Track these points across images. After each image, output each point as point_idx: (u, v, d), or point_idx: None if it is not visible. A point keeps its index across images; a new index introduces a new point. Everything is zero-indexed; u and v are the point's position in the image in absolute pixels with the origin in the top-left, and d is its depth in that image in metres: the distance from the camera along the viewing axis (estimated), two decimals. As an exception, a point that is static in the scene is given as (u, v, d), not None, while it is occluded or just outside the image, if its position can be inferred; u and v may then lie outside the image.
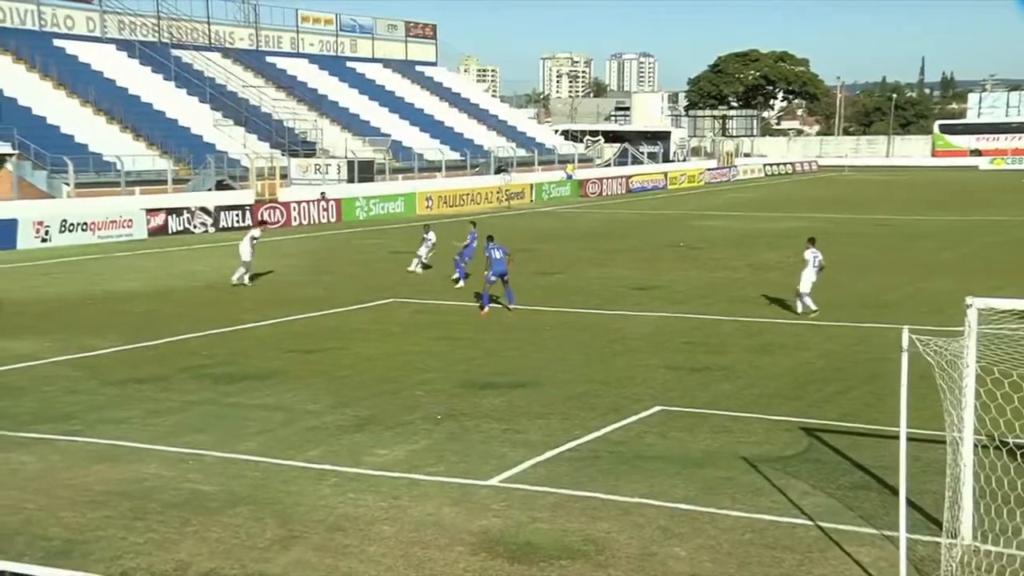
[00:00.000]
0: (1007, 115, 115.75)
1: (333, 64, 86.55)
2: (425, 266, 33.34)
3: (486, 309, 25.37)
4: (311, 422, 16.54)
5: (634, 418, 16.41)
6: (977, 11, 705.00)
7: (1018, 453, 11.08)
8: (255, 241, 31.83)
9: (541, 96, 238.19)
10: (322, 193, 56.05)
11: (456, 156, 75.99)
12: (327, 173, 62.12)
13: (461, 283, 30.24)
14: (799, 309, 24.05)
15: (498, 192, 65.66)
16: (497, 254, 25.43)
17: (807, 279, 24.01)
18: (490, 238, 26.32)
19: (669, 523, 12.02)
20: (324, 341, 23.06)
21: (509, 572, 10.90)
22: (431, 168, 71.84)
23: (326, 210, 54.70)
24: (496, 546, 11.50)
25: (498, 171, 72.61)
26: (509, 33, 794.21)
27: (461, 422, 16.36)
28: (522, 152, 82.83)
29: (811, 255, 24.17)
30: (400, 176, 68.32)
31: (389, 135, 75.38)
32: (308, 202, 54.42)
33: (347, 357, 21.41)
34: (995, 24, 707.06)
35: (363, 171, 63.48)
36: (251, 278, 31.41)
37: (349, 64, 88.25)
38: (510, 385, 18.70)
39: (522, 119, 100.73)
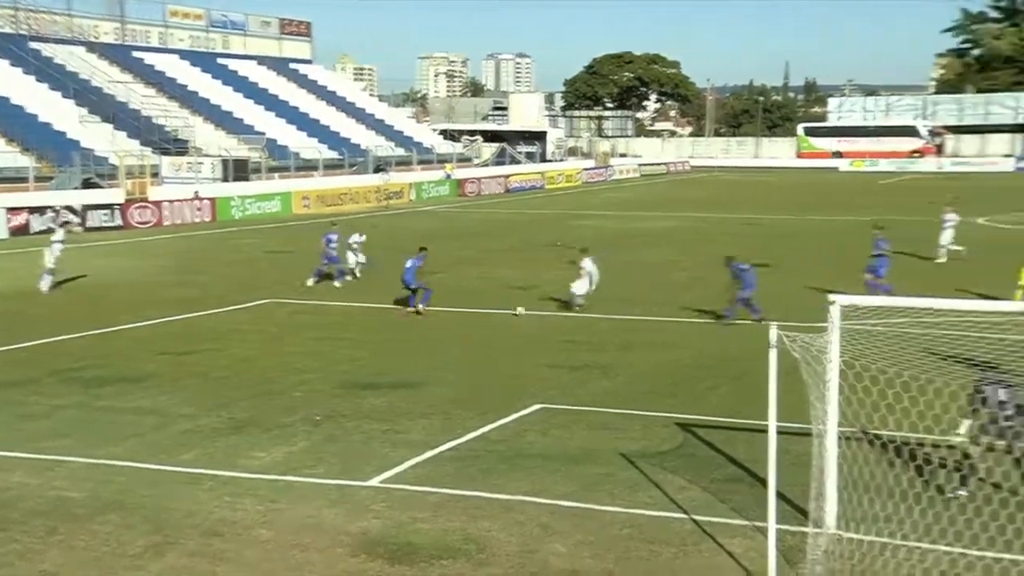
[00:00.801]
0: (864, 119, 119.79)
1: (204, 60, 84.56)
2: (363, 266, 31.94)
3: (410, 309, 25.36)
4: (185, 425, 16.25)
5: (514, 416, 16.55)
6: (838, 19, 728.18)
7: (878, 444, 11.57)
8: (60, 244, 30.17)
9: (419, 95, 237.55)
10: (195, 192, 54.94)
11: (334, 155, 75.24)
12: (200, 172, 60.86)
13: (338, 283, 30.13)
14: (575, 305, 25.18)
15: (377, 191, 65.33)
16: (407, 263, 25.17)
17: (581, 286, 24.93)
18: (421, 248, 26.08)
19: (549, 520, 12.18)
20: (200, 342, 22.67)
21: (390, 573, 10.92)
22: (308, 167, 71.03)
23: (200, 209, 53.66)
24: (376, 547, 11.50)
25: (377, 170, 72.22)
26: (386, 32, 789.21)
27: (341, 423, 16.28)
28: (401, 151, 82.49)
29: (588, 264, 24.87)
30: (276, 175, 67.44)
31: (264, 133, 74.16)
32: (181, 201, 53.31)
33: (224, 358, 21.09)
34: (854, 32, 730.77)
35: (238, 170, 62.43)
36: (55, 285, 29.68)
37: (221, 61, 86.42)
38: (391, 385, 18.68)
39: (400, 118, 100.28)
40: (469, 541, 11.64)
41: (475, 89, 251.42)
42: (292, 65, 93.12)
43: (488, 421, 16.24)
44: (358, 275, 31.47)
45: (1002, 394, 12.20)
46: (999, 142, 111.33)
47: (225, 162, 62.37)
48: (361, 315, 26.22)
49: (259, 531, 11.94)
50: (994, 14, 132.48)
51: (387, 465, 14.18)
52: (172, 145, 66.63)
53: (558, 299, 25.81)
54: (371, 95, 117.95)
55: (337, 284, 30.16)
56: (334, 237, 30.71)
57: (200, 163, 62.35)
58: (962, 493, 11.98)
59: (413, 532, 11.93)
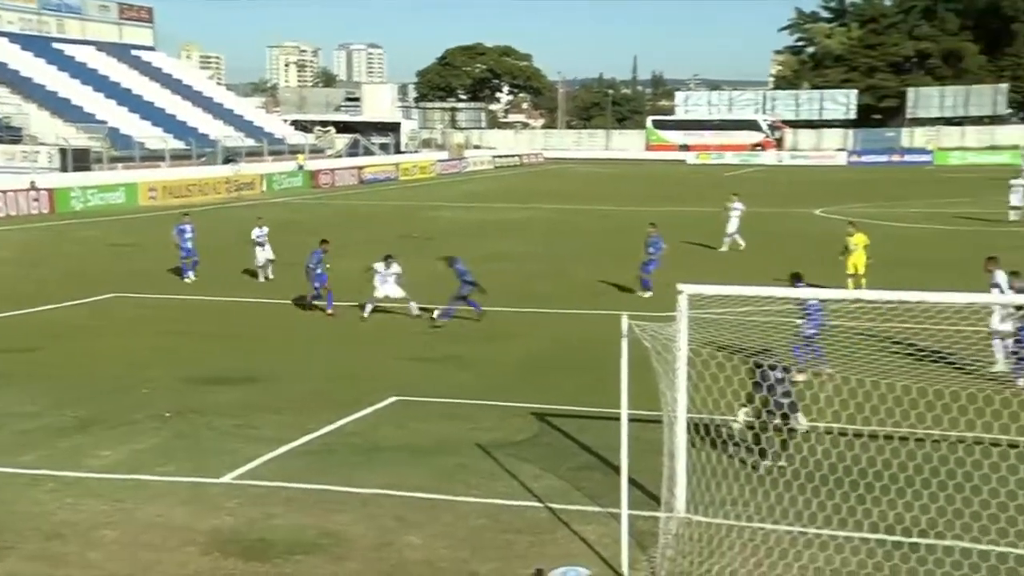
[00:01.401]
0: (709, 113, 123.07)
1: (37, 44, 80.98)
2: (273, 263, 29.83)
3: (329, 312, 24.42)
4: (26, 425, 15.65)
5: (370, 409, 16.47)
6: (683, 15, 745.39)
7: (724, 430, 11.92)
8: None
9: (269, 85, 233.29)
10: (32, 182, 52.80)
11: (180, 145, 73.30)
12: (37, 161, 58.56)
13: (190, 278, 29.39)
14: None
15: (227, 183, 63.95)
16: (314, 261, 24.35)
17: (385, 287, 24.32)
18: (322, 241, 25.28)
19: (405, 512, 12.17)
20: (40, 339, 21.85)
21: (243, 570, 10.75)
22: (154, 157, 69.02)
23: (37, 200, 51.60)
24: (229, 544, 11.31)
25: (226, 161, 70.72)
26: (232, 20, 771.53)
27: (191, 420, 15.92)
28: (251, 142, 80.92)
29: (381, 267, 23.92)
30: (120, 165, 65.32)
31: (105, 122, 71.74)
32: (15, 192, 51.20)
33: (66, 355, 20.39)
34: (698, 28, 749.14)
35: (78, 160, 60.33)
36: None
37: (56, 45, 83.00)
38: (243, 380, 18.36)
39: (250, 108, 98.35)
40: (324, 536, 11.55)
41: (327, 79, 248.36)
42: (134, 52, 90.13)
43: (343, 414, 16.11)
44: (270, 275, 29.55)
45: (777, 372, 13.02)
46: (833, 136, 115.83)
47: (64, 151, 60.17)
48: (210, 309, 25.67)
49: (104, 532, 11.59)
50: (825, 14, 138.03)
51: (239, 461, 13.94)
52: (4, 133, 63.81)
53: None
54: (219, 84, 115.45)
55: (188, 278, 29.34)
56: (187, 228, 29.88)
57: (36, 152, 60.00)
58: (765, 464, 12.57)
59: (267, 528, 11.77)
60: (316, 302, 24.70)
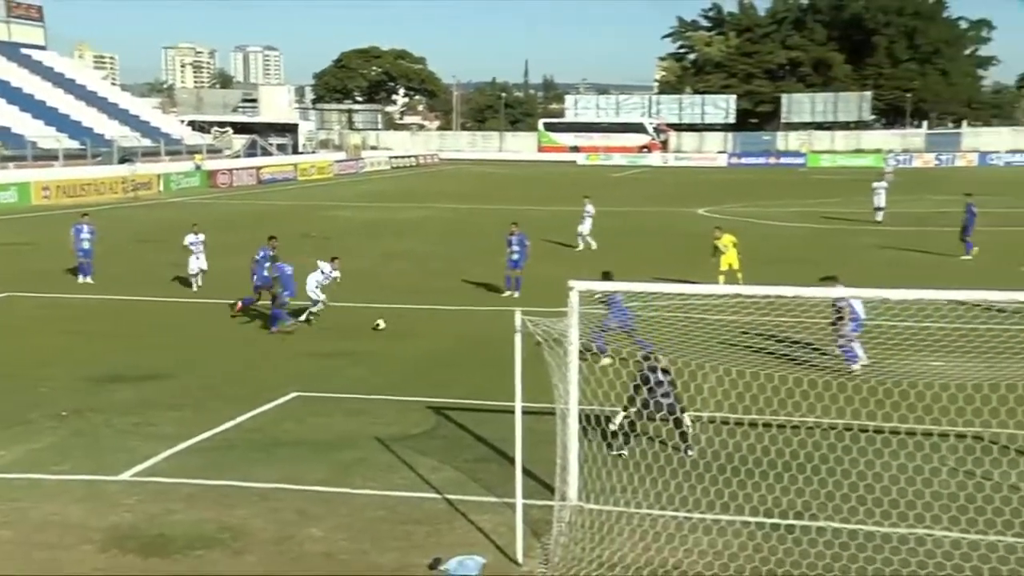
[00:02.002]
0: (598, 116, 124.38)
1: (-80, 41, 77.72)
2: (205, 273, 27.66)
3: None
4: (-81, 427, 15.05)
5: (270, 405, 16.23)
6: (572, 20, 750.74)
7: (613, 420, 12.07)
8: None
9: (165, 86, 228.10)
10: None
11: (75, 145, 71.14)
12: (-79, 160, 56.26)
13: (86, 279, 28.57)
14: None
15: (123, 182, 62.34)
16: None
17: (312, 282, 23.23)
18: (270, 237, 24.03)
19: (305, 505, 12.05)
20: (-68, 340, 21.03)
21: (142, 567, 10.52)
22: (47, 156, 66.84)
23: (-74, 199, 49.67)
24: (128, 541, 11.05)
25: (122, 161, 68.88)
26: (126, 20, 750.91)
27: (89, 418, 15.50)
28: (147, 142, 78.94)
29: (326, 267, 23.11)
30: (11, 164, 63.11)
31: (-5, 121, 69.25)
32: (-98, 190, 49.14)
33: (-41, 356, 19.65)
34: (588, 34, 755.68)
35: (-32, 159, 58.10)
36: None
37: (-60, 42, 79.77)
38: (142, 378, 17.94)
39: (146, 108, 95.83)
40: (224, 530, 11.36)
41: (224, 81, 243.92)
42: (24, 50, 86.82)
43: (243, 410, 15.86)
44: (199, 283, 27.41)
45: (659, 374, 13.34)
46: (714, 139, 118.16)
47: (-47, 151, 57.92)
48: (108, 309, 25.00)
49: None
50: (705, 23, 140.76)
51: (138, 459, 13.62)
52: None
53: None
54: (113, 84, 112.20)
55: (82, 280, 28.47)
56: (84, 228, 29.00)
57: (-79, 150, 57.66)
58: (624, 453, 12.87)
59: (166, 524, 11.53)
60: (235, 305, 23.28)
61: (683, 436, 13.40)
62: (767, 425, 13.40)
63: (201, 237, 27.54)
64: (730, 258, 25.29)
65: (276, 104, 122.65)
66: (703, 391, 13.58)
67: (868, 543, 10.49)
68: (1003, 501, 11.14)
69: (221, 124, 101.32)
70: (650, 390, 13.13)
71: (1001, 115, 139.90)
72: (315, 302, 22.73)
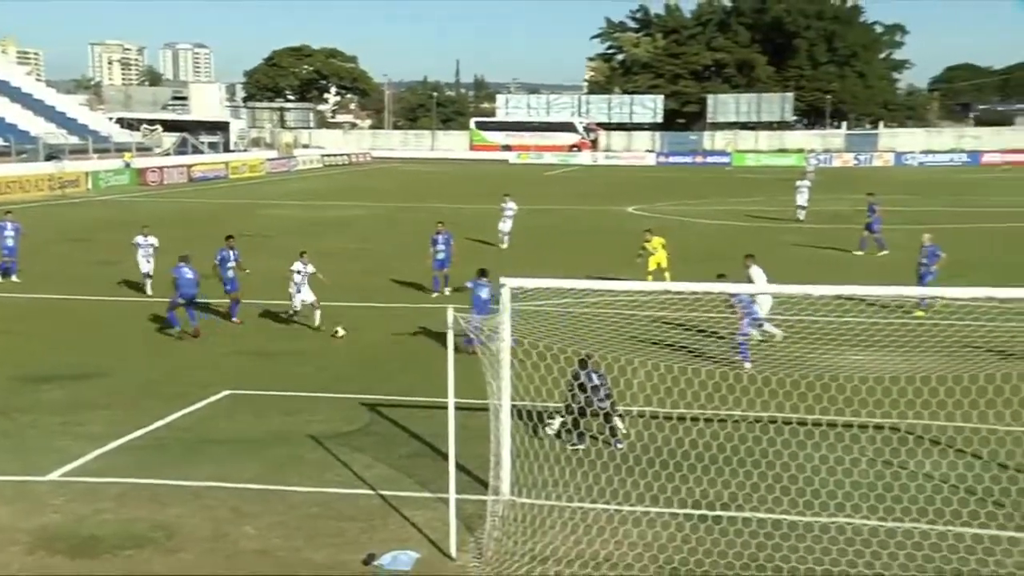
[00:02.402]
0: (529, 115, 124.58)
1: None
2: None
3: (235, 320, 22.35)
4: None
5: (202, 404, 16.04)
6: (502, 21, 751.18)
7: (546, 415, 12.14)
8: None
9: (92, 83, 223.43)
10: None
11: (-1, 142, 69.45)
12: None
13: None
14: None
15: (50, 180, 60.99)
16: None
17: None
18: (228, 237, 23.38)
19: (239, 503, 11.94)
20: None
21: (71, 567, 10.34)
22: (-31, 154, 65.17)
23: None
24: (56, 542, 10.86)
25: (48, 158, 67.36)
26: (52, 16, 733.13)
27: (16, 418, 15.19)
28: (75, 139, 77.27)
29: (302, 266, 22.13)
30: (-67, 161, 61.44)
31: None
32: None
33: None
34: (518, 34, 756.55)
35: None
36: None
37: None
38: (71, 377, 17.61)
39: (72, 105, 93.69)
40: (157, 529, 11.21)
41: (153, 78, 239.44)
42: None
43: (174, 409, 15.65)
44: (149, 292, 25.61)
45: (595, 379, 13.54)
46: (642, 138, 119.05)
47: None
48: (36, 308, 24.49)
49: (-74, 535, 10.95)
50: (632, 24, 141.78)
51: (67, 458, 13.38)
52: None
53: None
54: (38, 80, 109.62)
55: (4, 279, 27.81)
56: (8, 226, 28.34)
57: None
58: (580, 447, 13.07)
59: (96, 524, 11.35)
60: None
61: (612, 431, 13.55)
62: (694, 419, 13.58)
63: (151, 240, 25.81)
64: (659, 258, 25.54)
65: (207, 102, 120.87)
66: (632, 386, 13.70)
67: (791, 532, 10.69)
68: (918, 489, 11.42)
69: (151, 122, 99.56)
70: (583, 389, 13.28)
71: (915, 117, 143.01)
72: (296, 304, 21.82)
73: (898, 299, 22.37)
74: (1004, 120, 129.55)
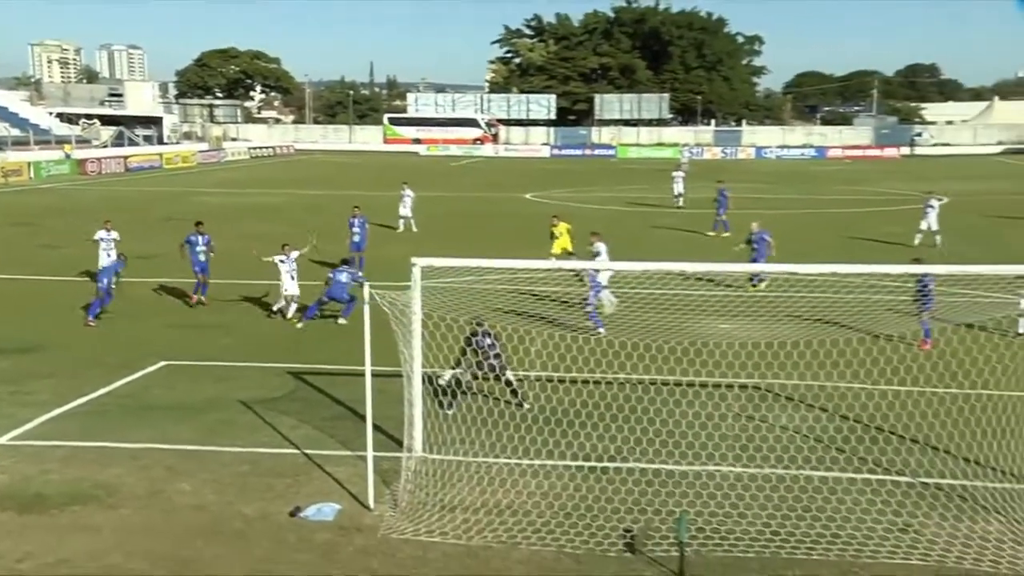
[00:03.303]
0: (436, 111, 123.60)
1: None
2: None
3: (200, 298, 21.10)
4: None
5: (141, 373, 15.64)
6: (412, 25, 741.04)
7: (442, 376, 12.11)
8: None
9: (32, 80, 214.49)
10: None
11: (-57, 134, 66.27)
12: None
13: None
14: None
15: (-9, 170, 58.54)
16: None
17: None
18: (197, 223, 21.92)
19: (175, 463, 11.69)
20: None
21: (19, 523, 10.02)
22: (-83, 145, 62.08)
23: None
24: (4, 500, 10.52)
25: (-8, 150, 64.63)
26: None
27: (-35, 390, 14.58)
28: (16, 132, 74.15)
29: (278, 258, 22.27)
30: None
31: None
32: None
33: None
34: (426, 37, 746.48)
35: None
36: None
37: None
38: (16, 350, 16.98)
39: (14, 101, 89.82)
40: (99, 487, 10.92)
41: (90, 76, 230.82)
42: None
43: (115, 379, 15.23)
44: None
45: (487, 340, 13.53)
46: (538, 133, 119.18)
47: None
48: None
49: None
50: (528, 31, 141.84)
51: (14, 424, 12.95)
52: None
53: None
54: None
55: None
56: None
57: None
58: (451, 412, 12.70)
59: (43, 483, 11.01)
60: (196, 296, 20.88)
61: (513, 393, 13.56)
62: (584, 382, 13.71)
63: (114, 235, 23.13)
64: (563, 242, 25.36)
65: (141, 99, 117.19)
66: (531, 353, 13.76)
67: (668, 480, 10.88)
68: (775, 440, 11.73)
69: (89, 116, 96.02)
70: (475, 352, 13.24)
71: (772, 116, 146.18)
72: (293, 296, 20.00)
73: (732, 274, 22.22)
74: (845, 120, 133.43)
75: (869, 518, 9.95)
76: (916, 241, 29.34)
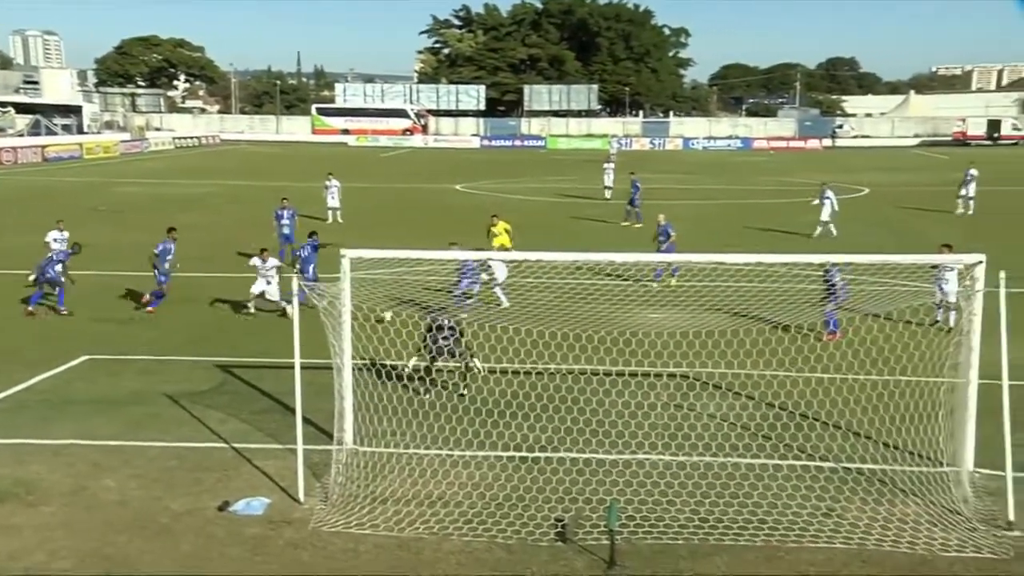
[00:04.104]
0: (365, 102, 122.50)
1: None
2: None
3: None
4: None
5: (62, 368, 15.25)
6: (339, 15, 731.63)
7: (383, 372, 12.04)
8: None
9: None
10: None
11: None
12: None
13: None
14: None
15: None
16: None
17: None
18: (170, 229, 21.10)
19: (99, 459, 11.44)
20: None
21: (-63, 526, 9.68)
22: None
23: None
24: (-79, 502, 10.14)
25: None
26: None
27: None
28: (-76, 120, 71.60)
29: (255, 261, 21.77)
30: None
31: None
32: None
33: None
34: (354, 27, 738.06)
35: None
36: None
37: None
38: (-71, 347, 16.39)
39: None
40: (19, 484, 10.63)
41: (3, 63, 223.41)
42: None
43: (36, 373, 14.84)
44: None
45: (446, 323, 13.82)
46: (468, 124, 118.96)
47: None
48: None
49: None
50: (456, 22, 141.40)
51: (-71, 424, 12.49)
52: None
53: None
54: None
55: None
56: None
57: None
58: (427, 397, 13.09)
59: (-41, 483, 10.65)
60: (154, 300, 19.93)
61: (463, 376, 13.71)
62: (515, 372, 13.75)
63: (66, 235, 22.30)
64: (502, 240, 25.23)
65: (58, 87, 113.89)
66: (460, 344, 13.74)
67: (599, 468, 10.99)
68: (703, 428, 11.92)
69: (2, 104, 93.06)
70: (434, 338, 13.47)
71: (698, 107, 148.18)
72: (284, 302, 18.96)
73: (638, 265, 22.31)
74: (769, 112, 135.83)
75: (794, 503, 10.17)
76: (816, 233, 29.94)
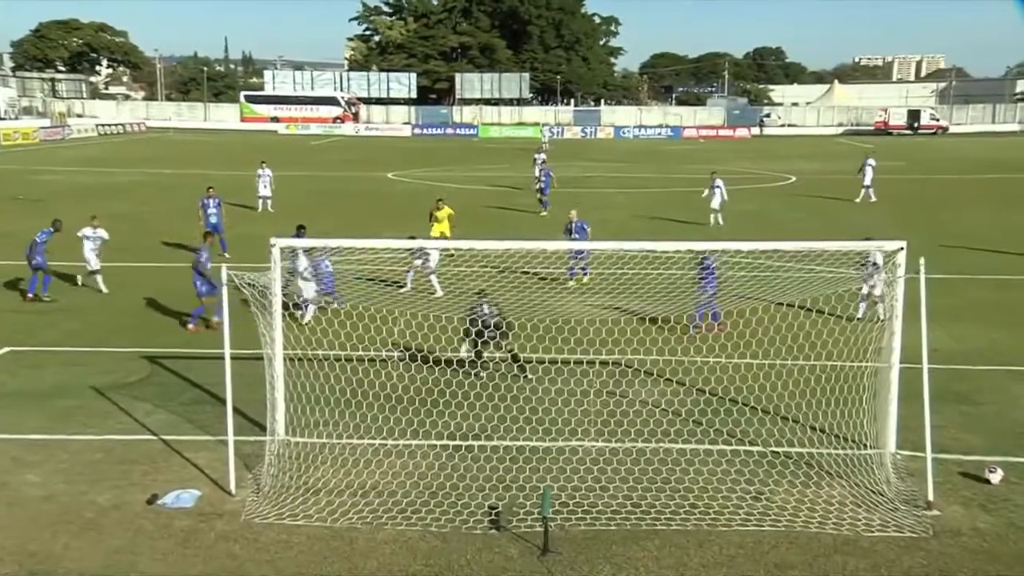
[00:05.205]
0: (295, 90, 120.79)
1: None
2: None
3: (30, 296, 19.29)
4: None
5: (-20, 362, 14.77)
6: (269, 2, 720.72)
7: (316, 363, 11.89)
8: None
9: None
10: None
11: None
12: None
13: None
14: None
15: None
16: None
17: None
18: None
19: (21, 453, 11.13)
20: None
21: None
22: None
23: None
24: None
25: None
26: None
27: None
28: None
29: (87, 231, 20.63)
30: None
31: None
32: None
33: None
34: (282, 13, 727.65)
35: None
36: None
37: None
38: None
39: None
40: (-63, 484, 10.27)
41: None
42: None
43: (-48, 369, 14.34)
44: (103, 288, 20.25)
45: (486, 308, 14.02)
46: (399, 112, 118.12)
47: None
48: None
49: None
50: (386, 9, 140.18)
51: None
52: None
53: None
54: None
55: None
56: None
57: None
58: (529, 376, 13.34)
59: None
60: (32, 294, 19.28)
61: (521, 368, 13.73)
62: (448, 361, 13.73)
63: (100, 232, 20.90)
64: (443, 227, 24.95)
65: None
66: (393, 333, 13.66)
67: (532, 456, 11.03)
68: (636, 414, 12.03)
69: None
70: (474, 322, 13.62)
71: (629, 96, 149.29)
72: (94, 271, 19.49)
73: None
74: (699, 100, 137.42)
75: (724, 488, 10.34)
76: (712, 222, 30.41)
